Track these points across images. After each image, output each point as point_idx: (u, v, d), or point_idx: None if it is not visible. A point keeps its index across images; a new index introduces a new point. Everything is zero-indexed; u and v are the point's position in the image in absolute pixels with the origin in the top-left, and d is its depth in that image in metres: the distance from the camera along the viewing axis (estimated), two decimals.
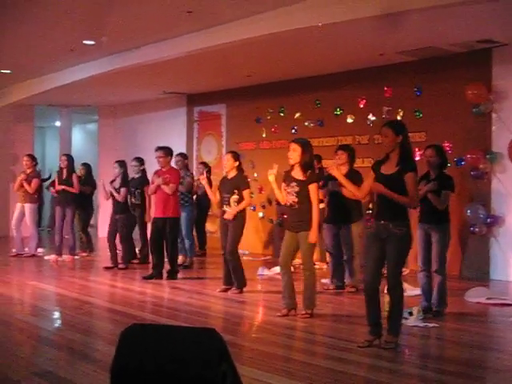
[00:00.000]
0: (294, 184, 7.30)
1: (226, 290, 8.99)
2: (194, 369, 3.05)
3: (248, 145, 14.21)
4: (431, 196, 7.30)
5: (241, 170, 9.09)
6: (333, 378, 5.12)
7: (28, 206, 12.71)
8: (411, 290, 8.43)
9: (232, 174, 8.97)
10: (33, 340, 6.57)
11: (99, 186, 13.12)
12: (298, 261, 7.76)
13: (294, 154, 7.32)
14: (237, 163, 8.99)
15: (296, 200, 7.29)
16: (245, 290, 8.99)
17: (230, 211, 8.78)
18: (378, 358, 5.70)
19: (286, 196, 7.41)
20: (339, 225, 9.06)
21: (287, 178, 7.45)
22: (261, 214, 13.89)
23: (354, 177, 8.72)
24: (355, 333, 6.63)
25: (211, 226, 13.49)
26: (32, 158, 13.22)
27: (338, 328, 7.06)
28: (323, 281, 9.65)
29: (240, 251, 9.23)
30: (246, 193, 8.85)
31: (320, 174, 9.47)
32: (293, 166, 7.41)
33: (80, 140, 22.36)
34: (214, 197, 9.31)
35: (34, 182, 12.75)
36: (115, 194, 11.26)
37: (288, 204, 7.40)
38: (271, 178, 7.52)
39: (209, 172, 13.06)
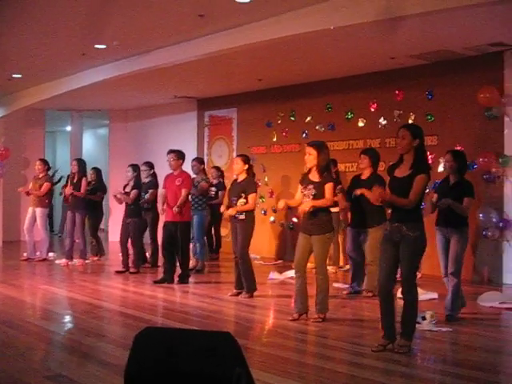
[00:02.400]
0: (310, 186, 7.29)
1: (237, 294, 8.98)
2: (209, 373, 3.03)
3: (259, 149, 14.21)
4: (454, 205, 7.26)
5: (251, 174, 9.06)
6: (346, 383, 5.11)
7: (39, 210, 12.74)
8: (424, 295, 8.39)
9: (242, 177, 8.95)
10: (44, 343, 6.56)
11: (110, 196, 13.14)
12: (310, 265, 7.72)
13: (310, 157, 7.32)
14: (246, 166, 8.95)
15: None
16: (256, 294, 8.97)
17: (232, 208, 8.78)
18: (392, 362, 5.66)
19: (303, 198, 7.38)
20: (360, 229, 9.00)
21: (304, 180, 7.44)
22: (272, 219, 13.87)
23: (376, 181, 8.65)
24: (368, 337, 6.59)
25: (223, 231, 13.48)
26: (44, 162, 13.28)
27: (351, 332, 7.02)
28: (335, 285, 9.62)
29: (251, 255, 9.20)
30: (251, 196, 8.79)
31: (337, 178, 9.42)
32: (310, 169, 7.39)
33: (91, 145, 22.40)
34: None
35: (45, 185, 12.78)
36: (125, 198, 11.29)
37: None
38: (281, 205, 7.55)
39: (222, 176, 13.09)
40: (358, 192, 8.60)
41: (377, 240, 8.82)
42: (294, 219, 13.01)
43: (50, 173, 13.70)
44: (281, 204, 7.56)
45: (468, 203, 7.40)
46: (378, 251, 8.74)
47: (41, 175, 13.00)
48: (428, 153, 9.75)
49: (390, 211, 6.15)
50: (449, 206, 7.29)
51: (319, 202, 7.21)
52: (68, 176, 13.48)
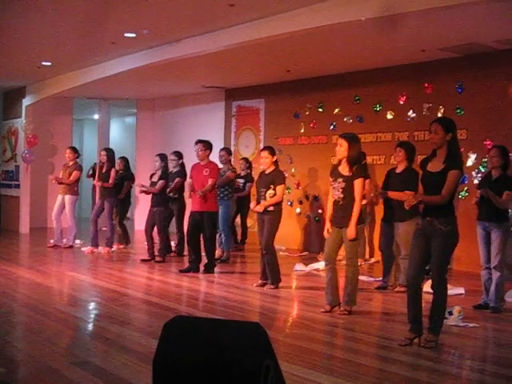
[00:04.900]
0: (340, 180, 7.26)
1: (263, 285, 8.98)
2: (238, 362, 3.03)
3: (286, 140, 14.16)
4: (494, 197, 7.42)
5: (277, 165, 9.06)
6: (374, 376, 5.09)
7: (68, 198, 12.82)
8: (451, 290, 8.31)
9: (270, 169, 8.94)
10: (71, 330, 6.62)
11: (135, 187, 13.19)
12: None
13: (341, 149, 7.27)
14: (274, 158, 8.96)
15: (341, 196, 7.24)
16: (282, 285, 8.97)
17: (261, 204, 8.77)
18: (419, 356, 5.64)
19: (332, 191, 7.36)
20: (393, 223, 8.86)
21: (334, 173, 7.41)
22: (298, 210, 13.84)
23: (411, 176, 8.49)
24: (395, 331, 6.56)
25: (249, 221, 13.47)
26: (74, 150, 13.38)
27: (378, 325, 7.02)
28: (361, 278, 9.57)
29: (276, 247, 9.18)
30: (279, 188, 8.79)
31: (366, 171, 9.33)
32: (340, 161, 7.36)
33: (118, 133, 22.47)
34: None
35: (75, 173, 12.88)
36: (150, 189, 11.38)
37: (334, 199, 7.35)
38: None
39: (250, 168, 13.07)
40: (389, 195, 8.53)
41: (410, 234, 8.75)
42: (320, 211, 13.02)
43: (80, 161, 13.80)
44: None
45: (508, 197, 7.49)
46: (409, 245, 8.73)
47: (71, 163, 13.08)
48: None
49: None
50: (489, 200, 7.45)
51: (355, 214, 7.17)
52: (93, 165, 13.65)
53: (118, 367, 5.12)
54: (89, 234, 12.80)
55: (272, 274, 8.92)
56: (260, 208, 8.77)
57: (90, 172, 13.89)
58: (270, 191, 8.74)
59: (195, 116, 16.54)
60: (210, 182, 9.98)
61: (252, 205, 9.24)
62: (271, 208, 8.76)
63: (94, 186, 16.23)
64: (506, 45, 10.01)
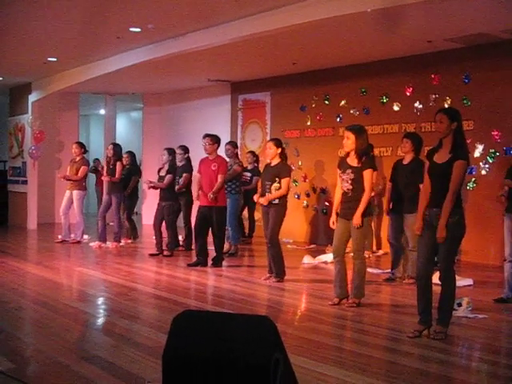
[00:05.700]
0: (349, 171, 7.24)
1: (270, 278, 8.96)
2: (247, 356, 3.02)
3: (293, 133, 14.14)
4: None
5: (284, 158, 9.00)
6: (384, 368, 5.08)
7: (76, 193, 12.84)
8: (459, 281, 8.29)
9: (275, 161, 8.89)
10: (80, 325, 6.62)
11: (143, 179, 13.19)
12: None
13: (348, 141, 7.25)
14: (279, 150, 8.90)
15: (350, 187, 7.23)
16: (290, 278, 8.96)
17: (266, 197, 8.75)
18: (428, 348, 5.62)
19: (341, 183, 7.35)
20: (401, 214, 8.80)
21: (342, 164, 7.39)
22: (305, 203, 13.82)
23: (418, 166, 8.44)
24: (404, 323, 6.55)
25: (256, 214, 13.47)
26: (81, 145, 13.37)
27: (387, 317, 7.01)
28: (368, 270, 9.57)
29: (284, 240, 9.17)
30: (284, 181, 8.73)
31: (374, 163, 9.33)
32: (348, 153, 7.34)
33: (124, 128, 22.50)
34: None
35: (82, 169, 12.88)
36: (158, 185, 11.36)
37: (342, 190, 7.33)
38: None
39: (257, 161, 13.06)
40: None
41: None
42: (326, 203, 13.01)
43: (87, 156, 13.81)
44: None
45: None
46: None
47: (77, 158, 13.08)
48: None
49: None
50: None
51: (363, 203, 7.16)
52: (95, 161, 13.67)
53: (128, 362, 5.13)
54: (96, 229, 12.82)
55: (277, 266, 8.91)
56: (264, 201, 8.75)
57: (92, 168, 13.90)
58: (276, 184, 8.69)
59: (201, 110, 16.53)
60: (219, 179, 9.94)
61: (256, 197, 9.24)
62: (276, 201, 8.72)
63: (98, 182, 16.27)
64: None
